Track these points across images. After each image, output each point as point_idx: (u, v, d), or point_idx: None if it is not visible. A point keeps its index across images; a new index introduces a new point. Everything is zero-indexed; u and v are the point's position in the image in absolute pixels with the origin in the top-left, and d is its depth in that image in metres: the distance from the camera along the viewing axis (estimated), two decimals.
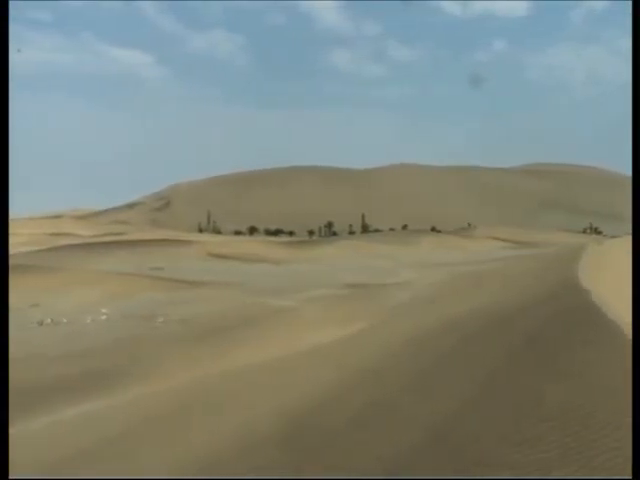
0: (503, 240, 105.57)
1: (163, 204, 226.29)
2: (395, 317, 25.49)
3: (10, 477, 6.79)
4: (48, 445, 10.89)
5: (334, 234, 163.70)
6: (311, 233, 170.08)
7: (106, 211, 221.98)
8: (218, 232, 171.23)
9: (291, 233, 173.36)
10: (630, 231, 14.26)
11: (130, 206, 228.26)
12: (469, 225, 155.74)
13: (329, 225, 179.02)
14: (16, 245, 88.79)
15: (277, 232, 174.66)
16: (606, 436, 6.70)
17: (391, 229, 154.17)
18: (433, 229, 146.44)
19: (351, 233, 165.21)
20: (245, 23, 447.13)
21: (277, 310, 28.84)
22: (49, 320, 26.98)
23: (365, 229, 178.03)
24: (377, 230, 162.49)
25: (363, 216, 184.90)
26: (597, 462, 6.13)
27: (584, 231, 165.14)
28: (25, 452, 10.26)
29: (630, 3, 11.75)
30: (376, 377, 12.12)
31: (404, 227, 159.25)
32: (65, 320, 27.01)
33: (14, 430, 11.42)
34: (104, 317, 27.72)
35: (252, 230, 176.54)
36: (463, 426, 8.14)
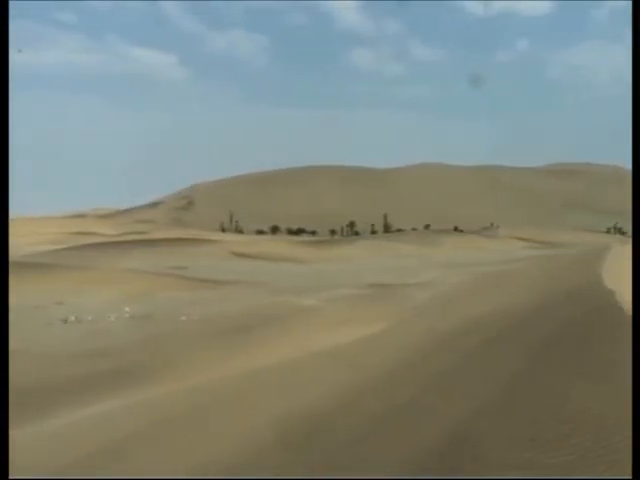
0: (526, 240, 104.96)
1: (186, 203, 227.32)
2: (416, 317, 25.43)
3: (10, 477, 6.81)
4: (56, 447, 10.94)
5: (356, 234, 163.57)
6: (333, 233, 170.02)
7: (129, 210, 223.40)
8: (240, 231, 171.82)
9: (313, 233, 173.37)
10: None
11: (153, 205, 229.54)
12: (492, 225, 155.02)
13: (351, 225, 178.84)
14: (40, 244, 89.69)
15: (299, 231, 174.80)
16: (628, 437, 6.67)
17: (413, 229, 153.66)
18: (456, 229, 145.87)
19: (373, 233, 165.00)
20: (266, 23, 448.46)
21: (299, 309, 28.87)
22: (73, 318, 27.23)
23: (387, 229, 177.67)
24: (399, 230, 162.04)
25: (385, 216, 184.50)
26: (623, 464, 6.11)
27: (608, 231, 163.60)
28: (31, 454, 10.33)
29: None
30: (396, 378, 12.11)
31: (426, 227, 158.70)
32: (89, 318, 27.25)
33: (24, 430, 11.55)
34: (127, 315, 27.93)
35: (274, 229, 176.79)
36: (484, 427, 8.12)
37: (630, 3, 11.33)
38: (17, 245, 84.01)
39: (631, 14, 10.84)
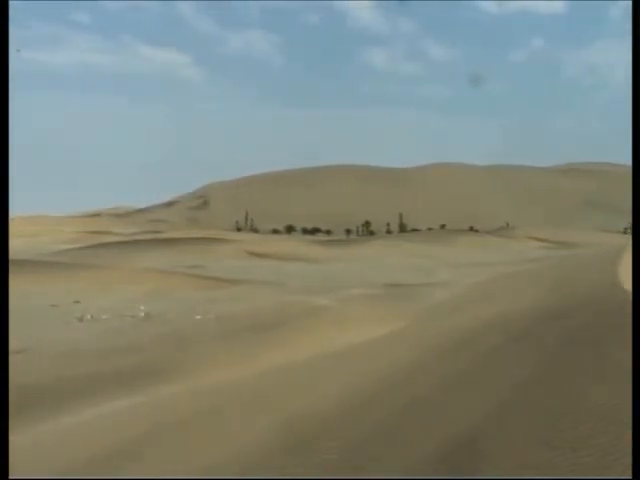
0: (542, 240, 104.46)
1: (201, 203, 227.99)
2: (431, 318, 25.39)
3: (10, 477, 6.82)
4: (61, 448, 10.97)
5: (371, 233, 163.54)
6: (348, 232, 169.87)
7: (145, 209, 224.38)
8: (255, 231, 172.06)
9: (328, 232, 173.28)
10: None
11: (168, 205, 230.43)
12: (507, 225, 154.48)
13: (366, 224, 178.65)
14: (57, 243, 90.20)
15: (314, 231, 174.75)
16: None
17: (429, 229, 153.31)
18: (471, 229, 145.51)
19: (388, 232, 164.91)
20: (281, 23, 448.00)
21: (314, 309, 28.90)
22: (89, 316, 27.41)
23: (403, 228, 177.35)
24: (415, 230, 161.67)
25: (401, 215, 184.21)
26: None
27: (624, 231, 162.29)
28: (34, 455, 10.37)
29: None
30: (409, 377, 12.08)
31: (442, 227, 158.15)
32: (104, 317, 27.40)
33: (29, 432, 11.60)
34: (143, 314, 28.06)
35: (289, 229, 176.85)
36: (499, 428, 8.08)
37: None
38: (34, 244, 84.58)
39: (631, 14, 10.80)
